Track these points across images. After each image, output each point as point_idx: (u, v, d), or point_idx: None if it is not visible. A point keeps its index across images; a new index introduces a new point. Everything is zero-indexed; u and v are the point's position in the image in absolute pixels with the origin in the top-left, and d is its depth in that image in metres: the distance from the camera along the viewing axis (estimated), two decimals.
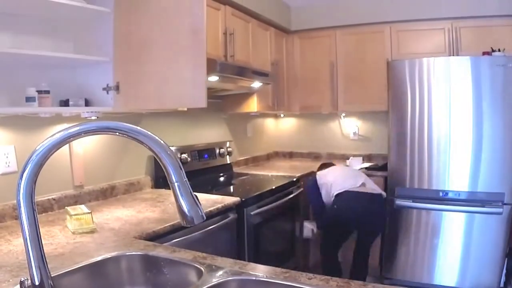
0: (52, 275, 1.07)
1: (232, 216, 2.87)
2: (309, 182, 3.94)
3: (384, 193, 3.72)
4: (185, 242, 2.31)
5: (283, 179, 3.91)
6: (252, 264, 1.57)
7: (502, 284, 3.75)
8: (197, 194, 1.15)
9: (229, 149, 4.23)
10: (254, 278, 1.43)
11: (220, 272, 1.47)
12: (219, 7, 3.47)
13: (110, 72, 2.57)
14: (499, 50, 3.81)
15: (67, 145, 2.70)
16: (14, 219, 2.32)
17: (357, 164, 4.69)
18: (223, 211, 2.78)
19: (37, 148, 0.99)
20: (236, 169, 4.47)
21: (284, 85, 4.87)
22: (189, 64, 2.40)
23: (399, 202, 4.04)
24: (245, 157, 4.92)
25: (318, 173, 3.97)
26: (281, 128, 5.79)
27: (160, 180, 3.41)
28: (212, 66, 2.98)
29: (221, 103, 4.40)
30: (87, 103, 2.62)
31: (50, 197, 2.59)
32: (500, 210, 3.65)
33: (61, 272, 1.49)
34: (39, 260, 1.03)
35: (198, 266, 1.53)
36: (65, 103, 2.54)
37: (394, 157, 4.08)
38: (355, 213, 3.53)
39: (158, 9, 2.48)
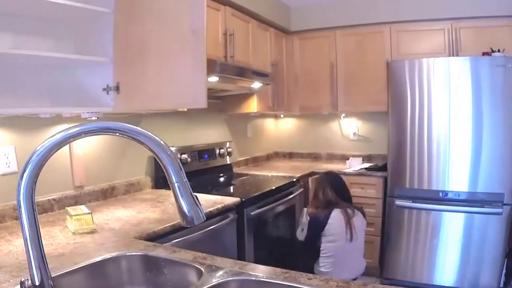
0: (52, 276, 1.08)
1: (232, 216, 2.88)
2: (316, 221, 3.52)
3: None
4: (185, 243, 2.31)
5: (283, 179, 3.91)
6: (252, 265, 1.57)
7: (501, 285, 3.75)
8: (197, 194, 1.15)
9: (229, 149, 4.23)
10: (254, 278, 1.43)
11: (220, 273, 1.47)
12: (219, 7, 3.47)
13: (110, 73, 2.56)
14: (498, 51, 3.81)
15: (67, 145, 2.71)
16: (15, 220, 2.33)
17: (357, 164, 4.69)
18: (223, 212, 2.79)
19: (37, 148, 0.99)
20: (236, 170, 4.47)
21: (284, 85, 4.87)
22: (189, 65, 2.40)
23: (399, 202, 4.04)
24: (245, 158, 4.92)
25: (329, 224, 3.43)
26: (281, 128, 5.79)
27: (160, 181, 3.41)
28: (212, 66, 2.99)
29: (221, 104, 4.41)
30: (87, 103, 2.62)
31: (50, 198, 2.59)
32: (499, 210, 3.65)
33: (61, 273, 1.49)
34: (39, 260, 1.03)
35: (198, 267, 1.53)
36: (65, 104, 2.55)
37: (394, 157, 4.08)
38: None
39: (158, 9, 2.47)
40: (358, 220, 3.45)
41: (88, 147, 2.90)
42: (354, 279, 3.39)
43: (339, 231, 3.37)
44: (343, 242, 3.37)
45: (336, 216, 3.40)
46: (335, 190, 3.57)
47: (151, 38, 2.50)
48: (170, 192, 1.13)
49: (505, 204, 3.65)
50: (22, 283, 1.08)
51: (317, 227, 3.45)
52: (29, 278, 1.05)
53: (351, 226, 3.37)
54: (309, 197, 4.28)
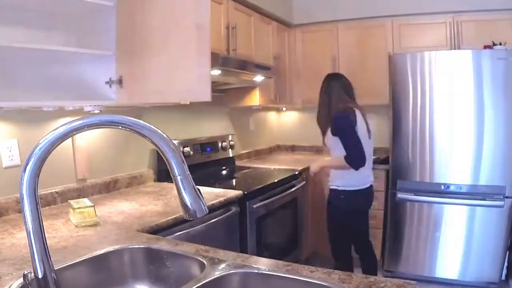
0: (55, 268, 1.08)
1: (234, 209, 2.88)
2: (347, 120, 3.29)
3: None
4: (187, 235, 2.32)
5: (285, 172, 3.91)
6: (255, 257, 1.58)
7: (503, 277, 3.76)
8: (200, 187, 1.15)
9: (231, 142, 4.23)
10: (256, 271, 1.44)
11: (223, 265, 1.48)
12: (221, 1, 3.46)
13: (113, 66, 2.57)
14: (500, 44, 3.81)
15: (70, 138, 2.71)
16: (18, 213, 2.33)
17: None
18: (226, 205, 2.79)
19: (40, 141, 0.99)
20: (238, 163, 4.48)
21: (286, 78, 4.87)
22: (194, 59, 2.40)
23: (400, 195, 4.04)
24: (248, 151, 4.92)
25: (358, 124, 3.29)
26: (283, 121, 5.79)
27: (163, 174, 3.42)
28: (214, 60, 2.98)
29: (223, 97, 4.40)
30: (90, 97, 2.62)
31: (53, 191, 2.60)
32: (501, 203, 3.66)
33: (64, 265, 1.50)
34: (42, 253, 1.03)
35: (201, 259, 1.53)
36: (68, 97, 2.55)
37: (395, 150, 4.07)
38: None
39: (162, 3, 2.47)
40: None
41: (91, 140, 2.91)
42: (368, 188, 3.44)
43: (363, 131, 3.32)
44: (365, 141, 3.29)
45: (359, 116, 3.33)
46: (346, 91, 3.41)
47: (155, 32, 2.50)
48: (173, 185, 1.13)
49: (506, 197, 3.66)
50: (25, 276, 1.09)
51: (351, 121, 3.26)
52: (32, 271, 1.05)
53: (367, 124, 3.38)
54: (309, 190, 4.30)
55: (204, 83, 2.39)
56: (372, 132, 3.43)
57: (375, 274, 3.46)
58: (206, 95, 2.39)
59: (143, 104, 3.08)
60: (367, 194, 3.44)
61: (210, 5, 2.37)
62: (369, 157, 3.37)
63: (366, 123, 3.37)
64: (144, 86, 2.54)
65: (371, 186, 3.46)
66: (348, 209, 3.39)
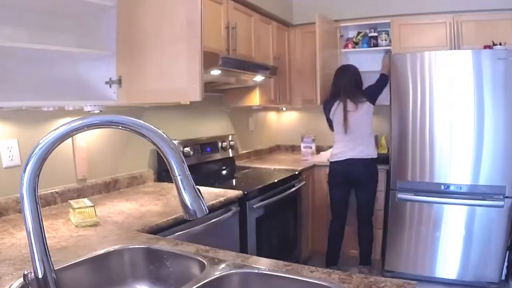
0: (55, 268, 1.08)
1: (234, 209, 2.88)
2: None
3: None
4: (187, 235, 2.32)
5: (285, 172, 3.91)
6: (255, 257, 1.58)
7: (503, 277, 3.76)
8: (200, 187, 1.15)
9: (231, 142, 4.23)
10: (256, 271, 1.43)
11: (223, 265, 1.48)
12: (222, 1, 3.46)
13: (113, 66, 2.57)
14: (500, 44, 3.81)
15: (70, 138, 2.71)
16: (18, 213, 2.33)
17: None
18: (226, 204, 2.79)
19: (40, 141, 0.99)
20: (238, 163, 4.48)
21: (286, 78, 4.87)
22: (184, 57, 2.39)
23: (400, 195, 4.04)
24: (248, 151, 4.93)
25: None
26: (283, 121, 5.79)
27: (163, 174, 3.42)
28: (214, 60, 2.99)
29: (223, 97, 4.40)
30: (90, 97, 2.62)
31: (53, 191, 2.60)
32: (501, 203, 3.66)
33: (64, 265, 1.50)
34: (42, 253, 1.03)
35: (201, 259, 1.53)
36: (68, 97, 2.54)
37: (395, 150, 4.07)
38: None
39: (155, 1, 2.48)
40: (357, 115, 3.93)
41: (91, 140, 2.91)
42: (360, 160, 3.95)
43: (338, 122, 4.00)
44: (342, 132, 3.97)
45: (335, 108, 4.02)
46: (343, 82, 4.00)
47: (150, 30, 2.51)
48: (173, 185, 1.13)
49: (506, 197, 3.65)
50: (25, 276, 1.09)
51: (325, 110, 4.17)
52: (32, 271, 1.05)
53: (346, 121, 3.91)
54: (309, 190, 4.32)
55: (194, 81, 2.38)
56: (353, 124, 3.95)
57: (367, 263, 4.05)
58: (196, 95, 2.38)
59: (141, 104, 3.08)
60: (341, 164, 4.00)
61: (201, 0, 2.35)
62: (349, 135, 3.98)
63: (345, 116, 3.93)
64: (141, 86, 2.54)
65: (348, 159, 3.96)
66: (329, 177, 4.15)
